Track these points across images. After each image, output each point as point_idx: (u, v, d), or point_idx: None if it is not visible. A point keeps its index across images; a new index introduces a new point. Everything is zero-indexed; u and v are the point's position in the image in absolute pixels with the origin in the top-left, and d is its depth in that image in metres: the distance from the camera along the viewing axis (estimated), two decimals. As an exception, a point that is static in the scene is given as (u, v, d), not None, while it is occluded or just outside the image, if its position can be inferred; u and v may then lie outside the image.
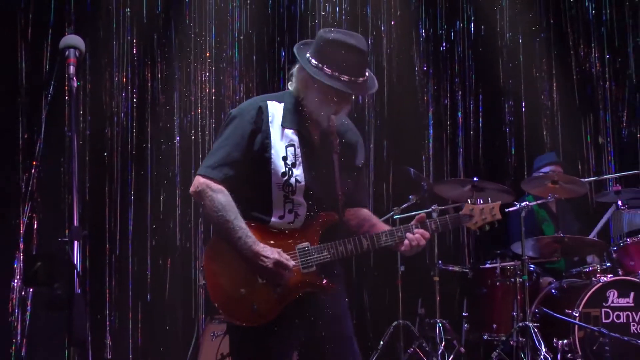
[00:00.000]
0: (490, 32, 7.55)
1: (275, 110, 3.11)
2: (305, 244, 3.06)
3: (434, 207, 5.75)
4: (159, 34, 6.76)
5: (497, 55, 7.56)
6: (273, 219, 3.06)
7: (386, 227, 3.17)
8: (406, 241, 3.09)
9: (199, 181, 3.05)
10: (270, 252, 2.96)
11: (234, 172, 3.04)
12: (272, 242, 3.02)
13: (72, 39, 2.89)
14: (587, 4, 7.52)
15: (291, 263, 2.99)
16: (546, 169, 6.29)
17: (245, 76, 7.02)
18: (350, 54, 3.03)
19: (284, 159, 3.05)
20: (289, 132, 3.09)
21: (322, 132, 3.17)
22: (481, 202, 3.23)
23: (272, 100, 3.15)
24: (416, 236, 3.08)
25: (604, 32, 7.45)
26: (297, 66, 3.14)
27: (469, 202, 3.23)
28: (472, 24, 7.57)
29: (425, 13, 7.50)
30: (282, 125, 3.09)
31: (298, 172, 3.06)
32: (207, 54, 6.91)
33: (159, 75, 6.74)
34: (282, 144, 3.07)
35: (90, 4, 6.44)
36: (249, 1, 7.03)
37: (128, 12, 6.61)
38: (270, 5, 7.09)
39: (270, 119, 3.09)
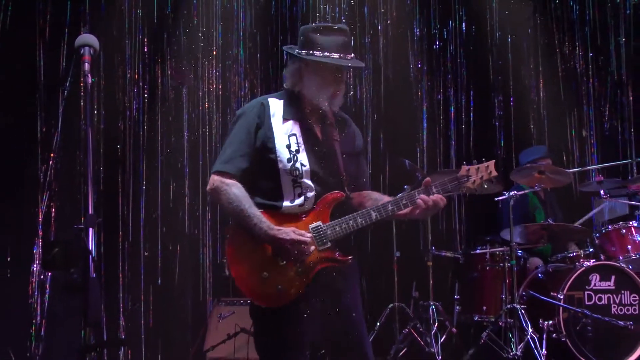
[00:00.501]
0: (481, 32, 7.52)
1: (276, 106, 3.19)
2: (318, 222, 3.08)
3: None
4: (169, 33, 6.74)
5: (487, 53, 7.54)
6: (285, 204, 3.09)
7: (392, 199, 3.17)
8: (419, 200, 3.08)
9: (213, 179, 3.11)
10: (286, 234, 2.99)
11: (245, 165, 3.10)
12: (286, 225, 3.04)
13: (87, 38, 2.89)
14: (571, 5, 7.49)
15: (307, 236, 3.02)
16: (541, 164, 6.15)
17: (250, 73, 7.01)
18: (334, 35, 3.11)
19: (288, 147, 3.11)
20: (290, 123, 3.16)
21: (322, 124, 3.22)
22: (475, 162, 3.20)
23: (272, 97, 3.24)
24: (430, 199, 3.08)
25: (587, 31, 7.42)
26: (288, 64, 3.22)
27: (465, 164, 3.20)
28: (463, 24, 7.55)
29: (419, 13, 7.47)
30: (283, 118, 3.16)
31: (302, 156, 3.11)
32: (214, 52, 6.90)
33: (169, 72, 6.73)
34: (284, 134, 3.13)
35: (104, 5, 6.41)
36: (253, 2, 7.01)
37: (139, 13, 6.59)
38: (273, 6, 7.07)
39: (272, 113, 3.16)
